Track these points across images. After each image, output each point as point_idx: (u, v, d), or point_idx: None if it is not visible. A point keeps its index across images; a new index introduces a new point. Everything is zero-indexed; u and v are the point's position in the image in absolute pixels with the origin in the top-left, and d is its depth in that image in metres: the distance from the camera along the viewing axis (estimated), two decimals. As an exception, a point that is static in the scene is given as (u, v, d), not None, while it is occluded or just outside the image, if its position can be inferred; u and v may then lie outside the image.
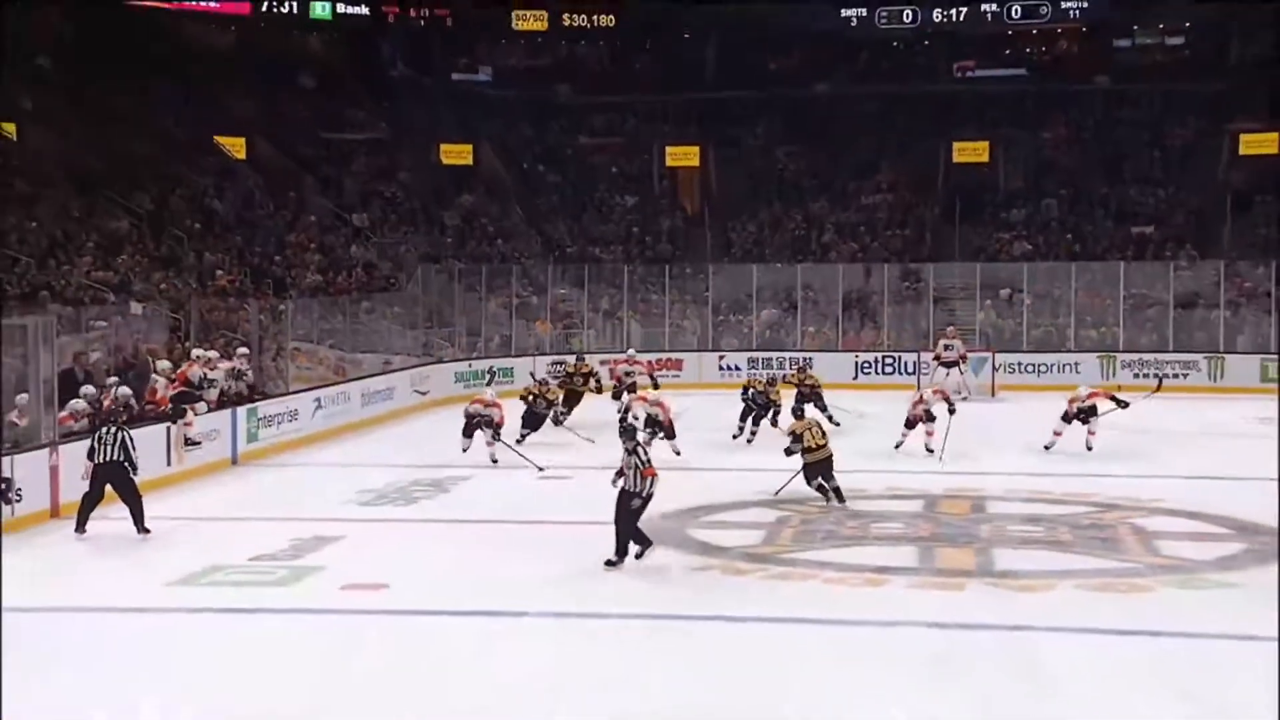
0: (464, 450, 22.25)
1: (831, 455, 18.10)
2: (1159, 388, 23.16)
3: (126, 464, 16.67)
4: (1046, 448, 22.81)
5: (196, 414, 21.66)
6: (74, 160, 37.26)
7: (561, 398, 26.01)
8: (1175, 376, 34.46)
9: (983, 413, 29.09)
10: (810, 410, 22.78)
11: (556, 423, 24.96)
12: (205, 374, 22.79)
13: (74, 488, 18.52)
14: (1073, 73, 48.92)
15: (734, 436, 24.44)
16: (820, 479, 17.99)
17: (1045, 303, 38.10)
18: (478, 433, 22.14)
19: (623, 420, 21.24)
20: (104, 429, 16.92)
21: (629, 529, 14.64)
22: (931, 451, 22.40)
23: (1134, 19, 49.00)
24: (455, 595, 13.84)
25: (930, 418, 22.45)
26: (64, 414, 19.71)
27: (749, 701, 10.62)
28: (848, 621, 12.98)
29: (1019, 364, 35.25)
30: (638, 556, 14.71)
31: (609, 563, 14.55)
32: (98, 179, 36.74)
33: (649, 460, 14.76)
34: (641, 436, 20.06)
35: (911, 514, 18.11)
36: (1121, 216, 43.05)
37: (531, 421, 24.11)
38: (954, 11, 47.94)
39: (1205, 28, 48.71)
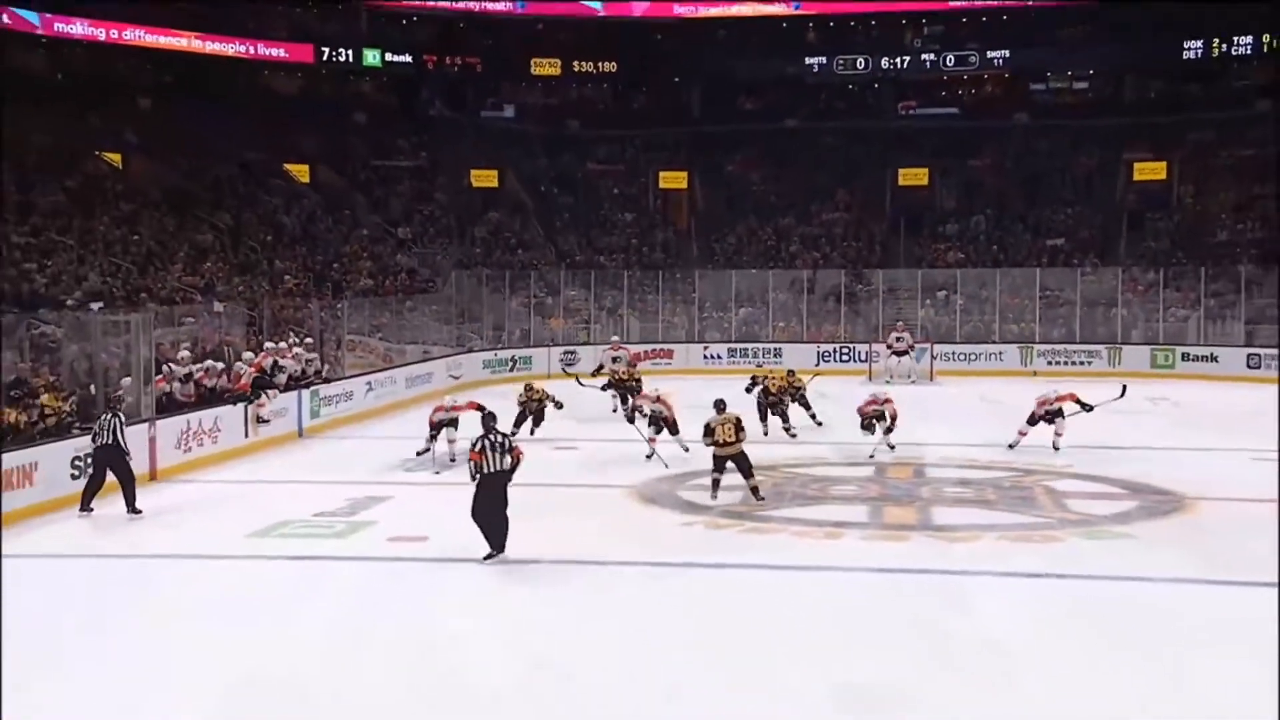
0: (427, 449, 19.46)
1: (743, 453, 15.68)
2: (1123, 394, 20.54)
3: (119, 447, 15.63)
4: (1011, 446, 19.96)
5: (270, 398, 21.82)
6: (168, 184, 37.36)
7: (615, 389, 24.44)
8: (1081, 363, 34.67)
9: (923, 394, 29.16)
10: (794, 409, 22.16)
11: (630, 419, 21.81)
12: (276, 362, 22.94)
13: (168, 456, 18.67)
14: (997, 111, 48.85)
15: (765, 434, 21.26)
16: (722, 471, 15.80)
17: (974, 302, 38.08)
18: (442, 433, 19.28)
19: (630, 419, 20.79)
20: (103, 416, 16.01)
21: (482, 516, 12.84)
22: (893, 448, 19.51)
23: (1047, 66, 48.92)
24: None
25: (883, 418, 19.44)
26: (159, 377, 19.80)
27: (733, 631, 10.69)
28: (811, 567, 13.07)
29: (953, 353, 35.21)
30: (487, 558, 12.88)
31: (488, 556, 12.82)
32: (187, 200, 36.90)
33: (479, 446, 12.77)
34: (648, 432, 19.47)
35: (863, 478, 18.04)
36: (1037, 231, 43.04)
37: (530, 419, 21.84)
38: (899, 60, 47.79)
39: (1105, 74, 48.69)
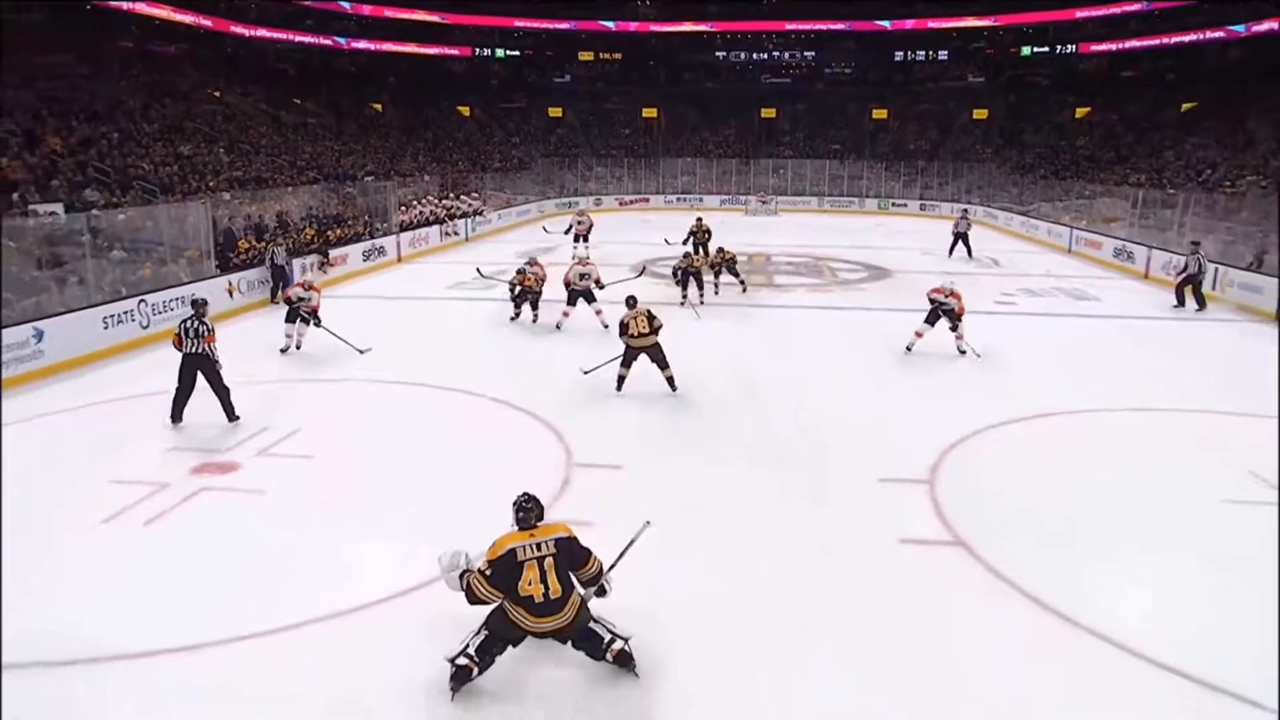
0: (287, 338, 9.48)
1: (657, 344, 8.15)
2: (977, 355, 9.79)
3: (283, 277, 11.74)
4: (909, 349, 9.55)
5: (455, 225, 21.07)
6: (403, 120, 35.37)
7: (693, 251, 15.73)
8: (845, 206, 33.86)
9: (771, 221, 28.27)
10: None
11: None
12: (457, 205, 22.12)
13: (406, 249, 17.91)
14: (809, 81, 45.38)
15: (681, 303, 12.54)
16: (630, 366, 8.20)
17: (798, 176, 36.47)
18: (298, 320, 9.48)
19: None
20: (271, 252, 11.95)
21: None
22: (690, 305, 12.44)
23: (832, 60, 45.50)
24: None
25: (712, 273, 13.45)
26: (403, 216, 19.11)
27: (672, 344, 10.28)
28: (714, 305, 12.59)
29: (786, 202, 33.80)
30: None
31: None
32: (411, 127, 35.05)
33: (179, 330, 7.01)
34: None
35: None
36: (827, 142, 40.92)
37: (526, 302, 11.54)
38: (763, 55, 44.75)
39: (860, 66, 45.25)
